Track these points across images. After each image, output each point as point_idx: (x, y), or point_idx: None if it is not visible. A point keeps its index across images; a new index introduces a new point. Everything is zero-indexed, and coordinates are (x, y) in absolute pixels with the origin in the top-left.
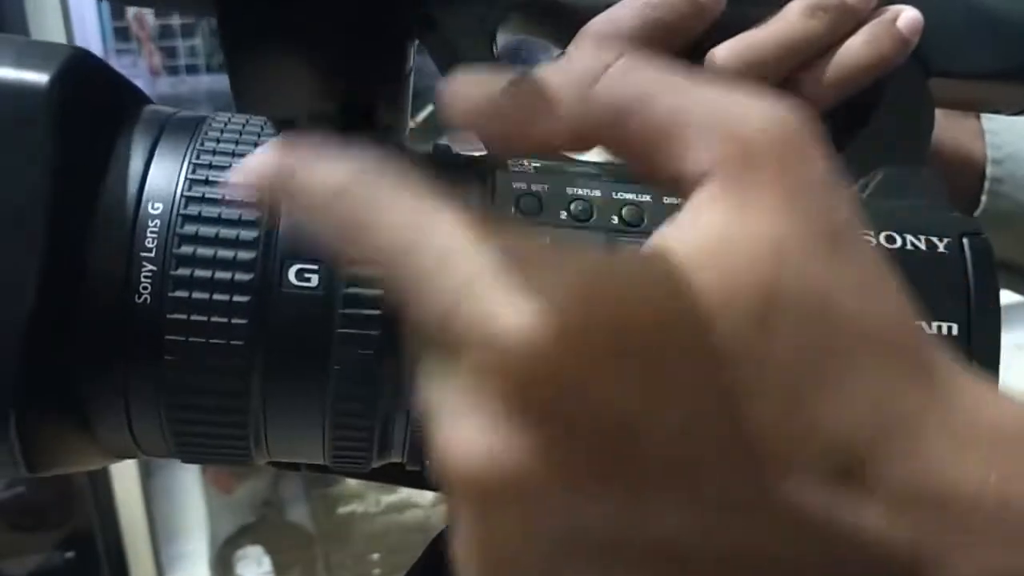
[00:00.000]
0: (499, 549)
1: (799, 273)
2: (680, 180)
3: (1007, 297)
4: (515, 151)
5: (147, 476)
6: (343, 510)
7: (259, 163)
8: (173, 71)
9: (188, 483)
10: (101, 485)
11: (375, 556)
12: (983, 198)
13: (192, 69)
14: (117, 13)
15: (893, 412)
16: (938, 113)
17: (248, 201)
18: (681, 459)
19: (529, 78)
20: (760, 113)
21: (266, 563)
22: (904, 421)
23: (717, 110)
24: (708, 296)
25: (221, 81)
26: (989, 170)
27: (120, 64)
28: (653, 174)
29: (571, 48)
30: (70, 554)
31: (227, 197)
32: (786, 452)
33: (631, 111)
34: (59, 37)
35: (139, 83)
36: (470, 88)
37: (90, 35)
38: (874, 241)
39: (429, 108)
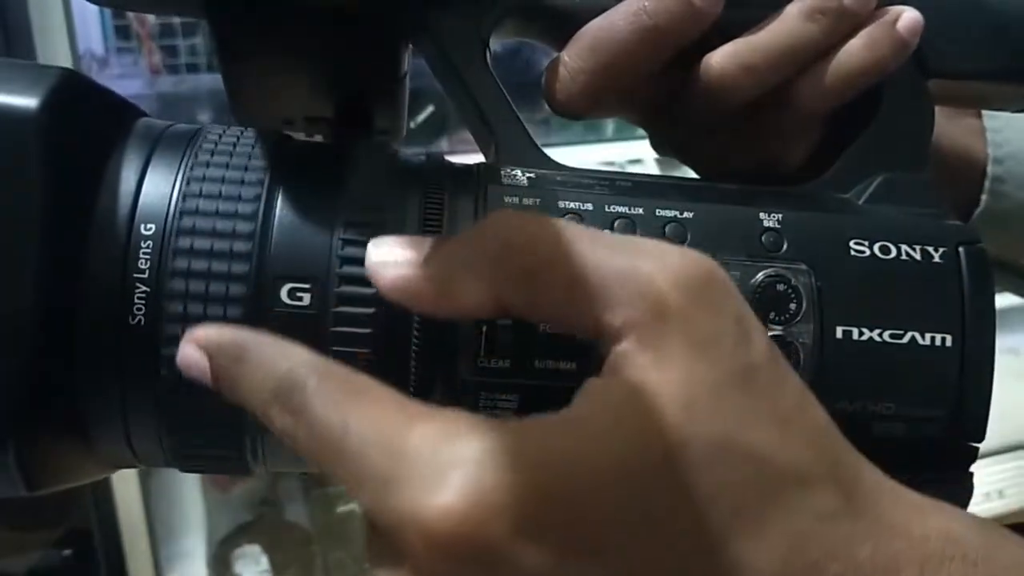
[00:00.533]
0: None
1: (708, 419)
2: (598, 334)
3: (1001, 300)
4: (438, 316)
5: (146, 475)
6: (341, 509)
7: (210, 337)
8: (174, 70)
9: (186, 482)
10: (99, 484)
11: None
12: (983, 197)
13: (193, 68)
14: (117, 11)
15: (822, 545)
16: (938, 111)
17: (196, 367)
18: None
19: (446, 247)
20: (665, 268)
21: (264, 562)
22: (834, 554)
23: (625, 269)
24: (620, 458)
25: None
26: (990, 169)
27: (121, 63)
28: (569, 329)
29: (486, 218)
30: (68, 552)
31: (180, 365)
32: None
33: (545, 276)
34: (62, 35)
35: (140, 82)
36: (392, 256)
37: (91, 33)
38: (867, 251)
39: (429, 109)
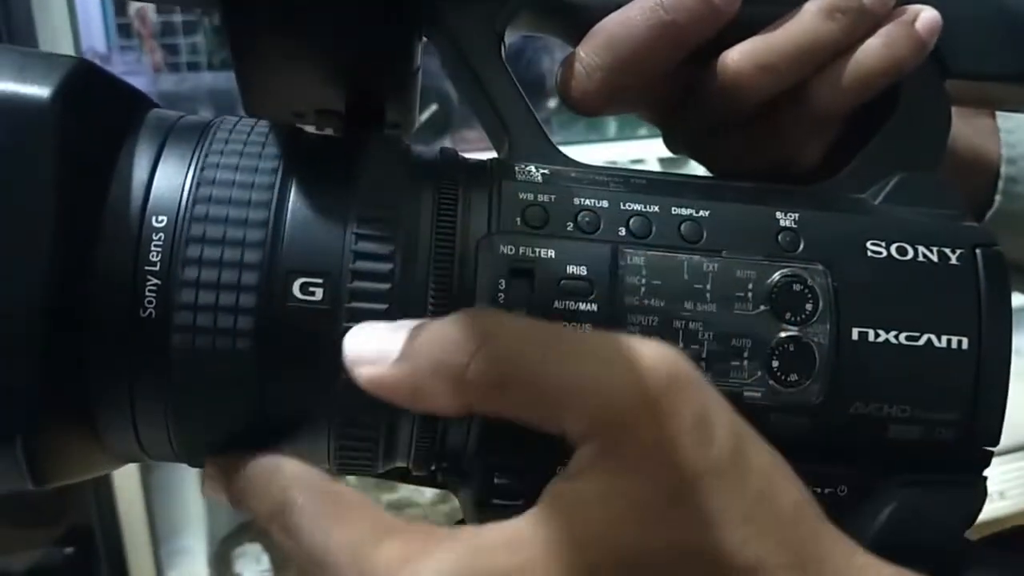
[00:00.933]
0: None
1: (663, 530)
2: (567, 437)
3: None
4: (417, 412)
5: (147, 473)
6: None
7: (217, 465)
8: (175, 68)
9: (187, 480)
10: (101, 481)
11: None
12: (997, 197)
13: (194, 66)
14: (120, 8)
15: None
16: (952, 111)
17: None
18: None
19: (419, 344)
20: (626, 378)
21: (265, 560)
22: None
23: (588, 380)
24: (579, 565)
25: (222, 79)
26: (1003, 169)
27: (123, 61)
28: (543, 431)
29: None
30: (69, 550)
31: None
32: None
33: (510, 390)
34: (65, 32)
35: (142, 80)
36: (366, 351)
37: (94, 31)
38: (884, 252)
39: (432, 108)
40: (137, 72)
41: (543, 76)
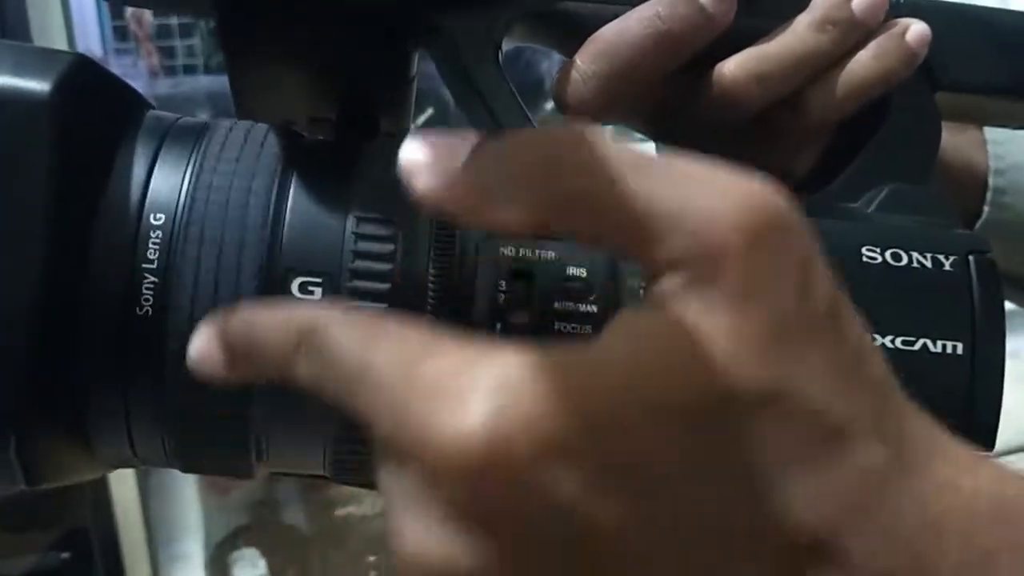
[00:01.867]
0: None
1: (756, 365)
2: (644, 264)
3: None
4: (478, 228)
5: (144, 477)
6: (339, 512)
7: (214, 322)
8: (171, 71)
9: (184, 484)
10: (97, 485)
11: (371, 559)
12: (985, 208)
13: (190, 69)
14: (116, 12)
15: (869, 499)
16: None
17: (208, 357)
18: (635, 550)
19: (493, 152)
20: (726, 205)
21: (262, 565)
22: (881, 507)
23: (682, 198)
24: (658, 390)
25: (219, 82)
26: (991, 180)
27: (119, 64)
28: (617, 254)
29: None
30: (66, 554)
31: (193, 366)
32: (750, 538)
33: (593, 198)
34: (60, 35)
35: (138, 83)
36: (431, 157)
37: (90, 33)
38: (879, 259)
39: (429, 112)
40: (133, 76)
41: (541, 79)
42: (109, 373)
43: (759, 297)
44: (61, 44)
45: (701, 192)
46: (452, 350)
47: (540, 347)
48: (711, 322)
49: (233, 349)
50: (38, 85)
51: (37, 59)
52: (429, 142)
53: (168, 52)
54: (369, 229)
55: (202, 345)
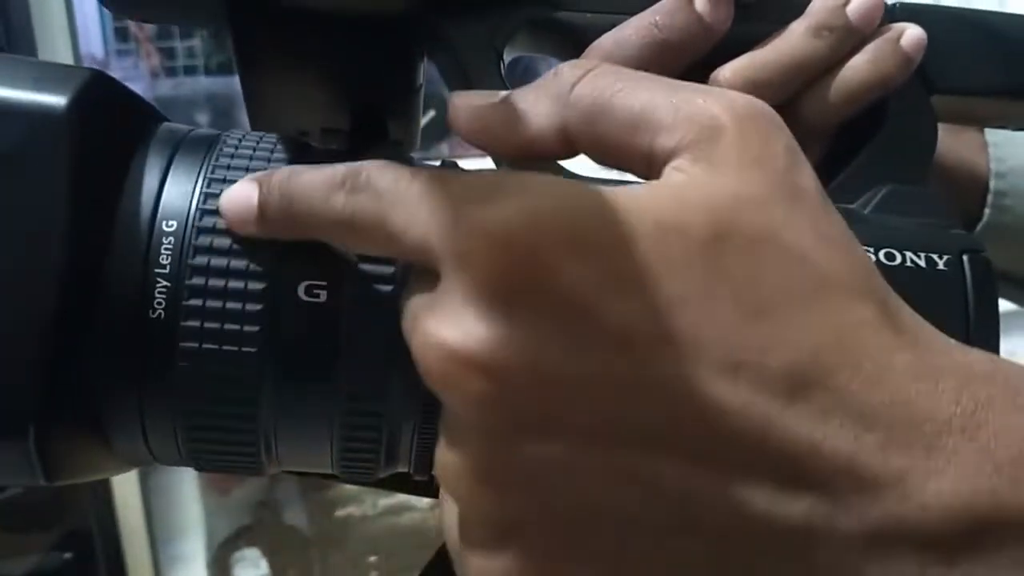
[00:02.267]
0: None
1: (754, 212)
2: (651, 161)
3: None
4: (510, 154)
5: (145, 478)
6: (340, 513)
7: (259, 174)
8: (171, 72)
9: (185, 485)
10: (99, 486)
11: (372, 559)
12: (986, 211)
13: (190, 70)
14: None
15: (858, 345)
16: (941, 126)
17: (244, 199)
18: (638, 341)
19: (516, 91)
20: (721, 98)
21: (263, 566)
22: (870, 355)
23: (682, 98)
24: (669, 217)
25: (219, 84)
26: (992, 183)
27: (121, 66)
28: (627, 161)
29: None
30: (68, 555)
31: (224, 204)
32: (739, 353)
33: (604, 108)
34: (64, 36)
35: (139, 85)
36: (469, 101)
37: (92, 35)
38: (873, 258)
39: (431, 114)
40: (135, 78)
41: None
42: (124, 373)
43: (755, 166)
44: (64, 46)
45: (698, 95)
46: (499, 173)
47: (586, 181)
48: (715, 180)
49: (270, 193)
50: (55, 100)
51: (55, 75)
52: (471, 92)
53: (168, 53)
54: None
55: (239, 189)
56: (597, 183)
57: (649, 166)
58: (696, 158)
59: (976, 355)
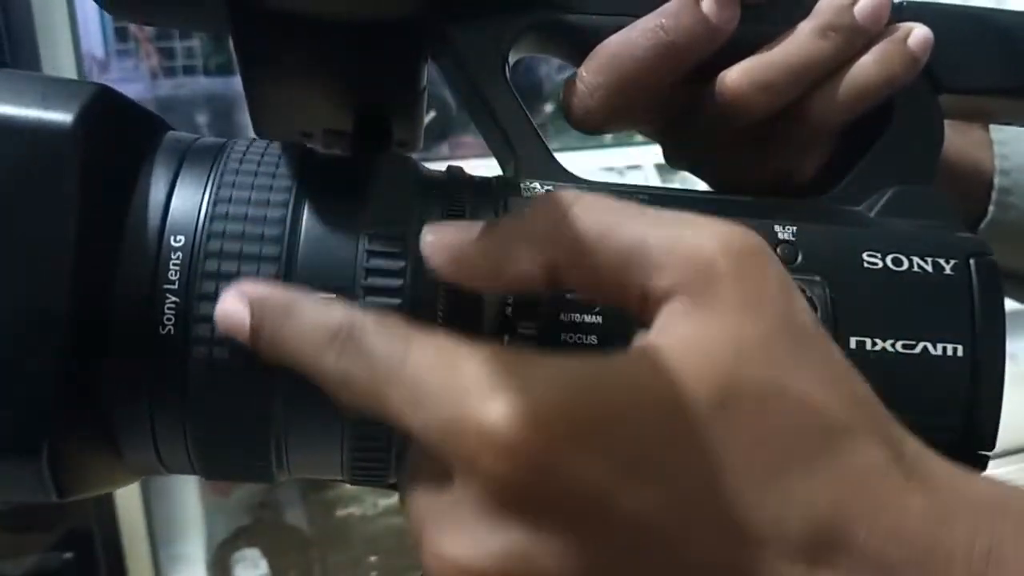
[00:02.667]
0: None
1: (758, 365)
2: (646, 301)
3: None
4: (495, 292)
5: (146, 479)
6: (340, 513)
7: (255, 291)
8: (171, 72)
9: (186, 485)
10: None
11: (372, 559)
12: (990, 208)
13: (189, 70)
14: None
15: (873, 495)
16: (946, 124)
17: (236, 320)
18: (657, 531)
19: (498, 224)
20: (713, 234)
21: (263, 566)
22: (885, 504)
23: (673, 235)
24: (672, 387)
25: (219, 84)
26: (997, 180)
27: (121, 67)
28: (619, 299)
29: (531, 202)
30: (68, 555)
31: (218, 317)
32: (758, 526)
33: (593, 246)
34: (65, 39)
35: (139, 86)
36: (445, 240)
37: (92, 36)
38: (880, 264)
39: (431, 114)
40: (134, 78)
41: (540, 81)
42: (136, 389)
43: (753, 308)
44: (66, 47)
45: (687, 229)
46: (482, 351)
47: (576, 359)
48: (714, 332)
49: (260, 325)
50: (62, 117)
51: (62, 91)
52: (447, 225)
53: (168, 53)
54: (381, 246)
55: (230, 307)
56: (591, 359)
57: (643, 306)
58: (694, 303)
59: (982, 485)
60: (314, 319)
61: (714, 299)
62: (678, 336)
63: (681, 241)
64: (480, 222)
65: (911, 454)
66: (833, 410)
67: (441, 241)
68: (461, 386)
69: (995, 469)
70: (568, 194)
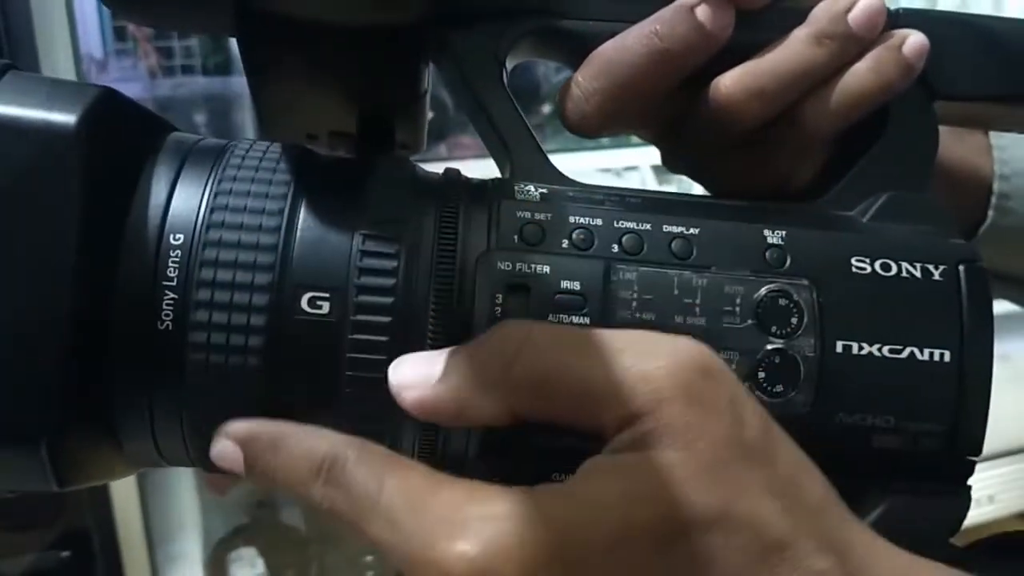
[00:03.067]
0: None
1: (706, 492)
2: (601, 435)
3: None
4: (460, 427)
5: (143, 477)
6: None
7: (242, 430)
8: (169, 71)
9: (183, 484)
10: (96, 485)
11: (369, 559)
12: (990, 213)
13: (188, 70)
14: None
15: None
16: (945, 129)
17: (231, 459)
18: None
19: (459, 364)
20: (661, 364)
21: (260, 565)
22: None
23: (622, 367)
24: (625, 524)
25: (218, 83)
26: (996, 186)
27: (119, 66)
28: (579, 433)
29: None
30: (65, 554)
31: (214, 458)
32: None
33: (546, 388)
34: (64, 38)
35: (137, 85)
36: (410, 378)
37: (91, 36)
38: (868, 269)
39: (429, 115)
40: (133, 78)
41: (537, 83)
42: (135, 382)
43: (699, 433)
44: (64, 47)
45: (633, 357)
46: (449, 488)
47: (523, 489)
48: (661, 462)
49: (252, 462)
50: (65, 117)
51: (66, 93)
52: (410, 361)
53: (166, 53)
54: (374, 246)
55: (223, 448)
56: (554, 489)
57: (599, 440)
58: (643, 432)
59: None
60: (298, 454)
61: (664, 429)
62: (630, 466)
63: (628, 372)
64: (443, 354)
65: (857, 556)
66: (781, 526)
67: (404, 382)
68: (429, 525)
69: (993, 470)
70: (518, 331)
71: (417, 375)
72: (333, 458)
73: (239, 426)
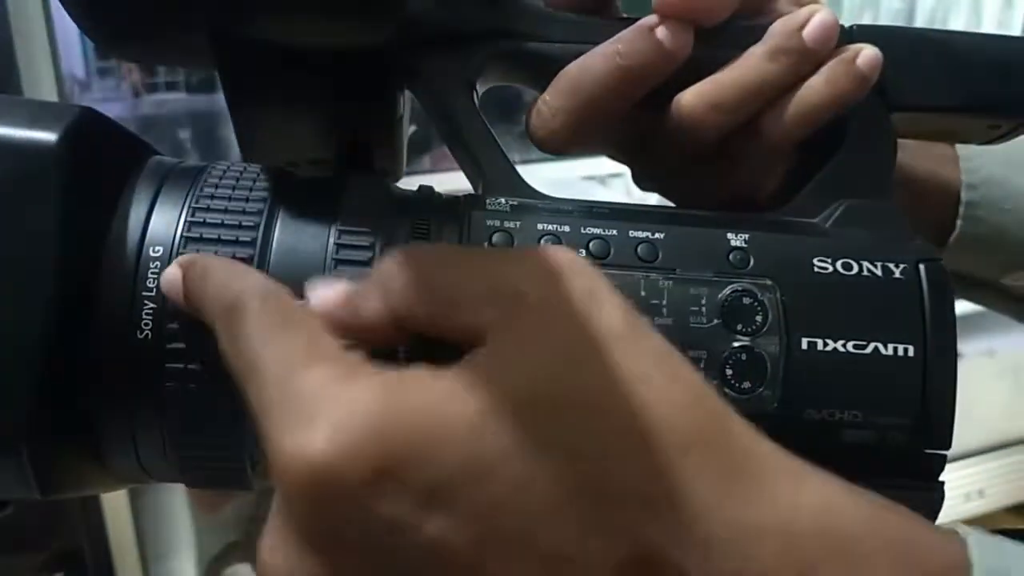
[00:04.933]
0: None
1: (570, 381)
2: (473, 337)
3: (972, 305)
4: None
5: (136, 495)
6: None
7: (186, 258)
8: (153, 88)
9: (176, 501)
10: (90, 505)
11: None
12: (959, 222)
13: (172, 86)
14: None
15: (690, 507)
16: (912, 143)
17: (173, 283)
18: (458, 554)
19: (359, 280)
20: (520, 263)
21: None
22: (700, 517)
23: (487, 273)
24: (477, 413)
25: (202, 101)
26: (964, 195)
27: (103, 86)
28: (454, 337)
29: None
30: (59, 574)
31: (162, 283)
32: (563, 548)
33: (420, 294)
34: (45, 57)
35: (121, 106)
36: (322, 293)
37: (73, 56)
38: (830, 268)
39: (412, 128)
40: (116, 98)
41: (518, 93)
42: (115, 391)
43: (555, 321)
44: (46, 67)
45: (499, 265)
46: (330, 363)
47: (400, 373)
48: (525, 348)
49: (187, 288)
50: (46, 136)
51: (49, 113)
52: (324, 280)
53: (149, 69)
54: (348, 255)
55: (171, 275)
56: (421, 376)
57: (472, 342)
58: (505, 325)
59: (807, 499)
60: (213, 292)
61: (522, 317)
62: (494, 358)
63: (492, 278)
64: (347, 285)
65: (736, 452)
66: (650, 416)
67: (316, 294)
68: (290, 404)
69: (983, 464)
70: (409, 248)
71: (326, 290)
72: (236, 303)
73: (185, 256)
